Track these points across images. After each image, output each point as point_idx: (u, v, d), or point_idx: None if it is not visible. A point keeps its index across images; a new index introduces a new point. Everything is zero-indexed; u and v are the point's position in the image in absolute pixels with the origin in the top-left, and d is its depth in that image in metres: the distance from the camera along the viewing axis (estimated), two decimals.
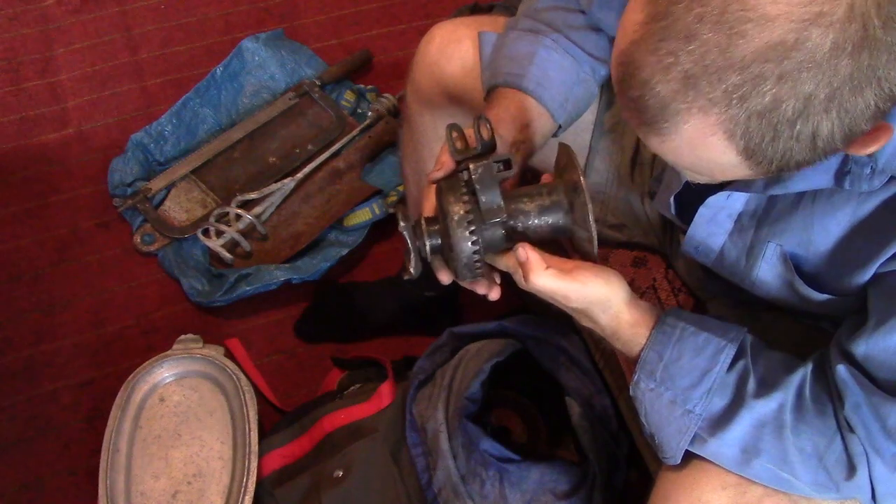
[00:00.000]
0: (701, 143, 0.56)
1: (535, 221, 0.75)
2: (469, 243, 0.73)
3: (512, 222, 0.74)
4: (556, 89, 0.87)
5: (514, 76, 0.86)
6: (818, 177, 0.68)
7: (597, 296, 0.74)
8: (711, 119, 0.54)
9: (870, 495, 0.71)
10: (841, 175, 0.67)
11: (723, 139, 0.55)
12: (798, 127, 0.53)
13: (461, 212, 0.72)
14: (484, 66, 0.94)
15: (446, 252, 0.76)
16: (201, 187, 1.54)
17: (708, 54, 0.52)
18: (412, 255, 0.75)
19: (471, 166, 0.72)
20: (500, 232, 0.74)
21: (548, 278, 0.72)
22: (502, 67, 0.88)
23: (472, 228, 0.73)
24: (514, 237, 0.75)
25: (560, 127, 0.90)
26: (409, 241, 0.74)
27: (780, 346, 0.79)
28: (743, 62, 0.51)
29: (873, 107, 0.53)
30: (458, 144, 0.76)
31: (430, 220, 0.77)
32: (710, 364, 0.74)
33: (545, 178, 0.79)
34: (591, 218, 0.70)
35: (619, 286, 0.75)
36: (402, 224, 0.74)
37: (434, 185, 0.78)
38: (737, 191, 0.77)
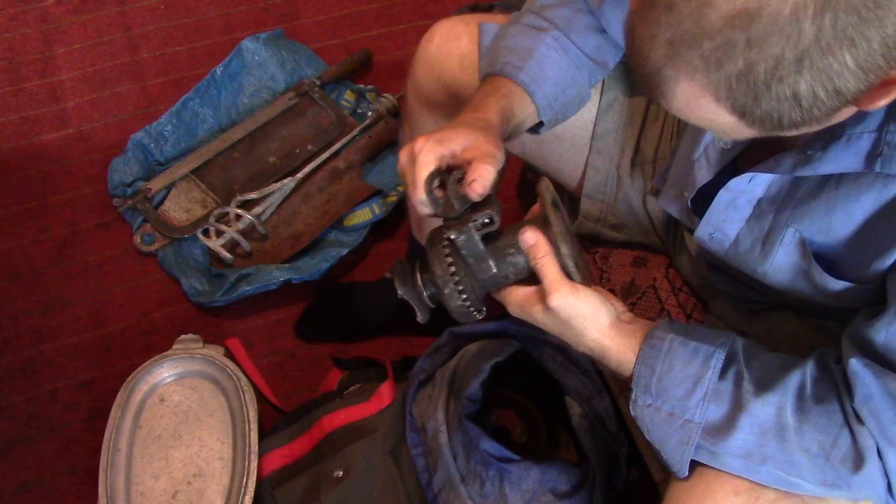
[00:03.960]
0: (696, 105, 0.59)
1: (521, 263, 0.77)
2: (458, 301, 0.77)
3: (499, 271, 0.77)
4: (548, 87, 0.87)
5: (512, 67, 0.87)
6: (848, 159, 0.68)
7: (590, 307, 0.76)
8: (697, 83, 0.57)
9: (884, 489, 0.71)
10: (872, 157, 0.66)
11: (712, 101, 0.58)
12: (775, 88, 0.55)
13: (446, 275, 0.76)
14: (482, 54, 0.94)
15: (442, 297, 0.79)
16: (201, 187, 1.54)
17: (684, 22, 0.55)
18: (417, 307, 0.80)
19: (452, 236, 0.74)
20: (489, 277, 0.77)
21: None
22: (501, 57, 0.89)
23: (461, 288, 0.76)
24: (501, 279, 0.78)
25: (543, 124, 0.91)
26: (409, 298, 0.79)
27: (783, 346, 0.78)
28: (713, 29, 0.54)
29: (853, 66, 0.53)
30: (441, 200, 0.76)
31: (423, 269, 0.79)
32: (702, 371, 0.74)
33: (534, 210, 0.80)
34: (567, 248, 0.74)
35: (608, 305, 0.78)
36: (398, 289, 0.79)
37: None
38: (763, 172, 0.76)
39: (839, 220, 0.72)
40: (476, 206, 0.74)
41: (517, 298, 0.77)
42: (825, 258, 0.76)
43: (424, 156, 0.74)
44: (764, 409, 0.72)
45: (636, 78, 0.62)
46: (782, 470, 0.72)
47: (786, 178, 0.75)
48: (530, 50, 0.88)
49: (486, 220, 0.74)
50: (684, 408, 0.75)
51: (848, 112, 0.60)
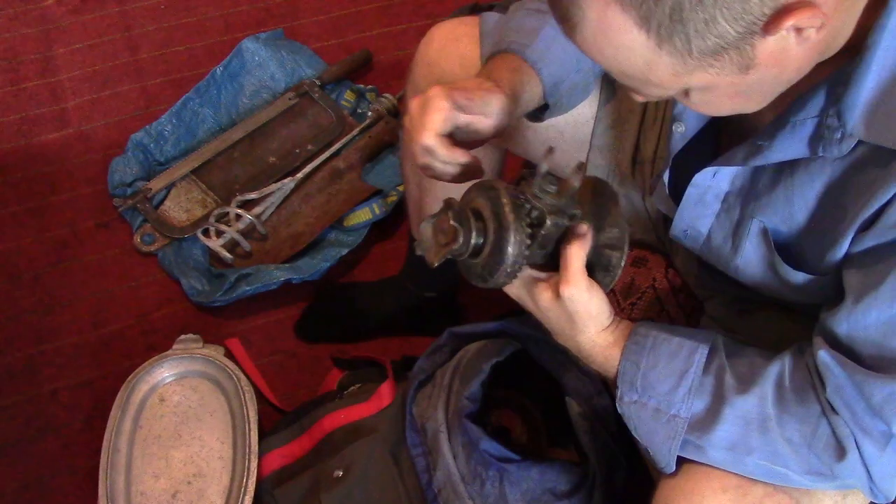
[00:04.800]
0: (606, 26, 0.58)
1: (548, 250, 0.77)
2: (512, 270, 0.73)
3: (536, 254, 0.76)
4: (555, 67, 0.87)
5: (519, 45, 0.86)
6: (794, 146, 0.69)
7: (577, 316, 0.77)
8: None
9: (866, 478, 0.71)
10: (815, 142, 0.67)
11: (618, 12, 0.56)
12: None
13: (524, 244, 0.72)
14: (484, 38, 0.94)
15: (483, 256, 0.74)
16: (201, 187, 1.54)
17: None
18: (442, 252, 0.74)
19: (548, 221, 0.72)
20: (529, 256, 0.75)
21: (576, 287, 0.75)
22: (507, 36, 0.88)
23: (527, 254, 0.73)
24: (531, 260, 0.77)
25: (548, 108, 0.90)
26: (458, 238, 0.72)
27: (776, 345, 0.79)
28: None
29: None
30: (549, 188, 0.73)
31: (475, 215, 0.74)
32: (686, 365, 0.76)
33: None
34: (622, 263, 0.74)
35: (610, 308, 0.79)
36: (451, 217, 0.73)
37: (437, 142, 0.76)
38: (720, 165, 0.77)
39: (798, 209, 0.73)
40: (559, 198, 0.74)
41: (528, 278, 0.78)
42: (790, 250, 0.77)
43: (439, 101, 0.74)
44: (745, 401, 0.73)
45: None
46: (768, 460, 0.73)
47: (747, 170, 0.77)
48: (536, 29, 0.87)
49: (575, 214, 0.74)
50: (670, 403, 0.76)
51: (762, 48, 0.58)
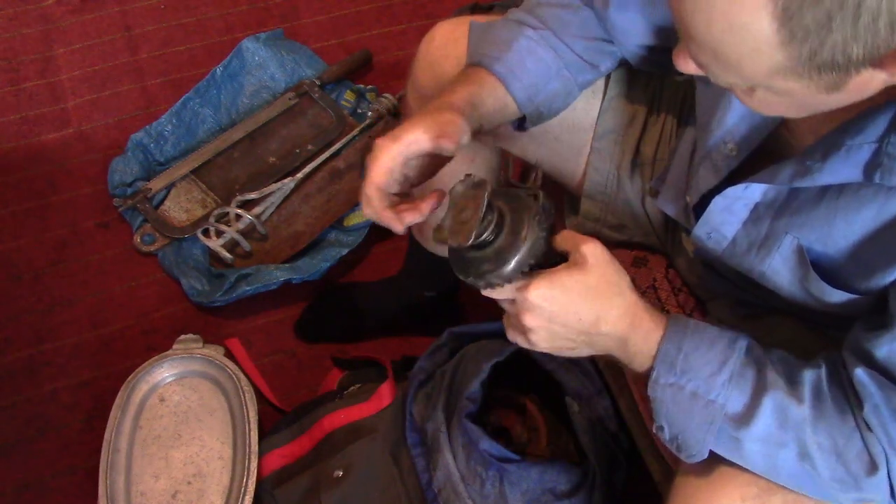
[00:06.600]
0: (736, 1, 0.53)
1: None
2: (526, 266, 0.73)
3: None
4: (528, 80, 0.87)
5: (489, 58, 0.87)
6: (848, 170, 0.66)
7: (611, 272, 0.74)
8: None
9: (888, 493, 0.71)
10: (871, 169, 0.65)
11: None
12: None
13: (536, 235, 0.73)
14: (468, 48, 0.95)
15: (489, 252, 0.75)
16: (201, 187, 1.54)
17: None
18: (466, 229, 0.73)
19: (530, 262, 0.73)
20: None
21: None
22: (481, 48, 0.89)
23: (535, 256, 0.73)
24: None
25: (526, 119, 0.90)
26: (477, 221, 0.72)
27: (781, 349, 0.78)
28: None
29: None
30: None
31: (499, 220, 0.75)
32: (727, 353, 0.74)
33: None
34: None
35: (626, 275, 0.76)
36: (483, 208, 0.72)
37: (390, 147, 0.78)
38: (760, 182, 0.75)
39: (839, 232, 0.71)
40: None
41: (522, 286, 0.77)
42: (823, 267, 0.75)
43: (381, 155, 0.77)
44: (785, 397, 0.72)
45: None
46: (798, 457, 0.72)
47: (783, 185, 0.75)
48: (509, 41, 0.87)
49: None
50: (710, 387, 0.73)
51: (860, 77, 0.55)
